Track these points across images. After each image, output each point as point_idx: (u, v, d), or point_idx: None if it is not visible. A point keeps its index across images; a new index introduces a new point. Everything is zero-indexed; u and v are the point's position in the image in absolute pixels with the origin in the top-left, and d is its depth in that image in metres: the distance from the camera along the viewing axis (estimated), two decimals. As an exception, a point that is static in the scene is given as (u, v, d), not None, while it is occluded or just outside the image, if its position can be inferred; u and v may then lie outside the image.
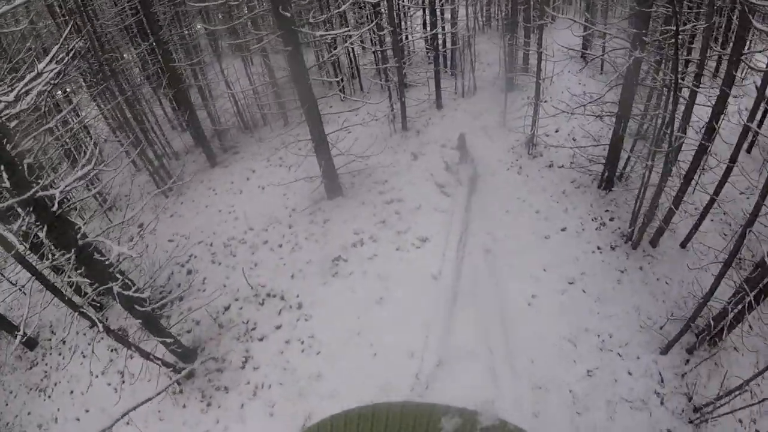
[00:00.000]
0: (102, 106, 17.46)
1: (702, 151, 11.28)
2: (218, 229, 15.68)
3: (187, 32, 17.68)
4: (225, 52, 24.92)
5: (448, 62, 20.71)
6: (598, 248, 13.23)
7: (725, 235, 14.15)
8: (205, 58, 19.97)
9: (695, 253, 13.39)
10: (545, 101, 17.78)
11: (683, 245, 13.48)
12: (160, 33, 16.07)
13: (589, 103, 13.56)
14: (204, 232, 15.78)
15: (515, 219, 13.66)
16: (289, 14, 10.51)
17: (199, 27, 22.36)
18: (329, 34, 11.87)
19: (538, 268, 12.56)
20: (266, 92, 19.54)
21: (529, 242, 13.11)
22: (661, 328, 11.50)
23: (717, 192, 12.16)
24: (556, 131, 16.57)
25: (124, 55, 19.82)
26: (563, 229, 13.56)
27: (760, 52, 11.80)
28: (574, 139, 16.53)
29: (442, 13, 18.59)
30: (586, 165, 15.01)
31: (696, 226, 13.02)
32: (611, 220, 13.95)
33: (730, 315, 9.80)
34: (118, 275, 9.06)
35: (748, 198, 13.44)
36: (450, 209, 13.63)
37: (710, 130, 10.84)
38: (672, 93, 9.53)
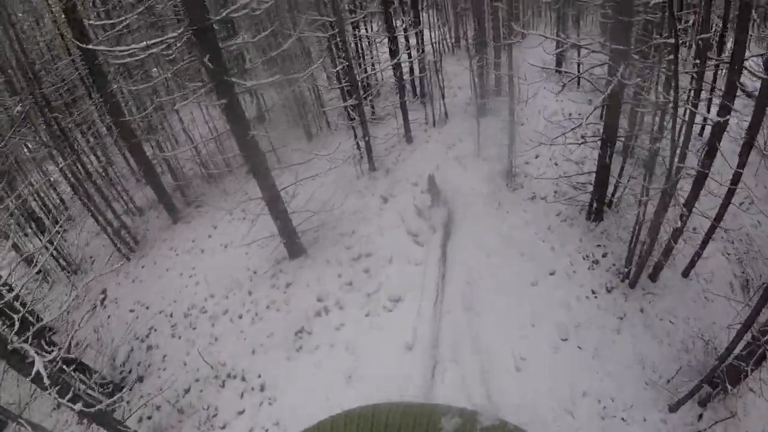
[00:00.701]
0: (59, 163, 16.39)
1: (702, 177, 10.00)
2: (179, 295, 14.58)
3: (133, 85, 16.52)
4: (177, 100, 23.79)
5: (417, 89, 19.56)
6: (593, 292, 11.98)
7: (728, 254, 13.15)
8: (161, 107, 18.73)
9: (699, 282, 12.25)
10: (522, 124, 16.65)
11: (685, 274, 12.36)
12: (108, 87, 14.96)
13: (571, 129, 12.38)
14: (165, 299, 14.71)
15: (498, 264, 12.38)
16: (214, 66, 9.30)
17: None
18: (265, 83, 10.59)
19: (526, 323, 11.26)
20: (229, 138, 18.32)
21: (514, 291, 11.83)
22: (668, 381, 10.17)
23: (719, 217, 10.93)
24: (536, 157, 15.34)
25: (72, 112, 18.67)
26: (552, 273, 12.29)
27: (761, 55, 10.46)
28: (556, 164, 15.35)
29: (407, 39, 17.49)
30: (571, 194, 13.78)
31: (698, 254, 11.81)
32: (604, 256, 12.70)
33: (748, 368, 8.53)
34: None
35: (746, 210, 12.17)
36: (424, 260, 12.36)
37: (710, 152, 9.58)
38: (671, 118, 8.24)
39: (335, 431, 9.28)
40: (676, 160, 9.01)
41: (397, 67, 15.41)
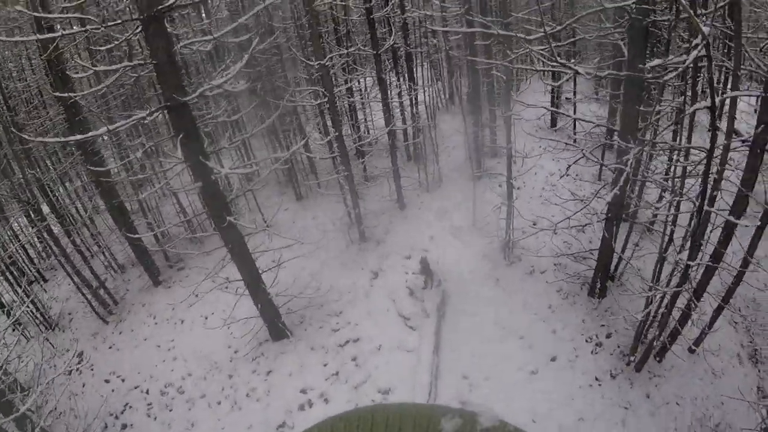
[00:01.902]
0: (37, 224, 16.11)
1: (713, 269, 9.42)
2: (156, 370, 14.01)
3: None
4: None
5: (411, 150, 19.30)
6: (596, 380, 11.30)
7: (735, 324, 12.63)
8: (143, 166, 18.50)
9: (705, 359, 11.44)
10: (518, 188, 16.22)
11: (692, 349, 11.68)
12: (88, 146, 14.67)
13: (574, 214, 11.81)
14: (141, 373, 14.12)
15: (495, 351, 11.74)
16: (190, 145, 8.98)
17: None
18: (238, 172, 10.22)
19: (526, 419, 10.52)
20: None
21: (513, 382, 11.15)
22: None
23: (727, 299, 10.36)
24: (534, 224, 14.79)
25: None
26: (553, 359, 11.66)
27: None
28: (555, 233, 14.75)
29: (400, 98, 17.28)
30: (572, 267, 13.21)
31: (705, 332, 11.23)
32: (608, 337, 12.08)
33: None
34: None
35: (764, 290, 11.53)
36: (416, 347, 11.73)
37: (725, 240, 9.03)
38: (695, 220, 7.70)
39: None
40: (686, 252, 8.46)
41: (390, 132, 15.09)
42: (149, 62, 8.49)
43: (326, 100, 13.38)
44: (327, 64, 12.66)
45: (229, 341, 13.50)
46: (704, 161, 6.93)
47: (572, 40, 14.86)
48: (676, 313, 10.51)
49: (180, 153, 8.82)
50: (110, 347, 15.29)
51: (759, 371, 11.69)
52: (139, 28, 8.25)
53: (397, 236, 15.28)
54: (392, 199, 16.56)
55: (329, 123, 15.24)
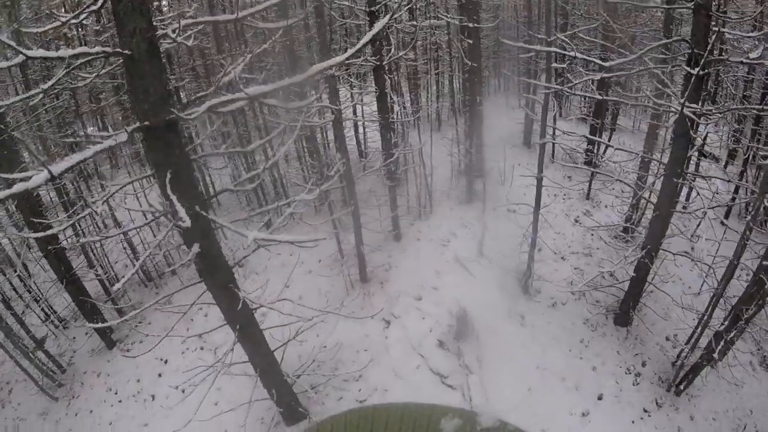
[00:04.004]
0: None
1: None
2: None
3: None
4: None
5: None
6: (645, 411, 11.43)
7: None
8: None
9: (732, 372, 11.58)
10: (513, 211, 15.83)
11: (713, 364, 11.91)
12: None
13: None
14: None
15: (542, 398, 11.24)
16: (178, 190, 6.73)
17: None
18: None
19: (592, 470, 9.94)
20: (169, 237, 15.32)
21: (570, 428, 10.65)
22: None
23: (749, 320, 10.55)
24: (539, 250, 14.37)
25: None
26: (600, 398, 11.44)
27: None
28: (562, 258, 14.54)
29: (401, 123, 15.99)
30: (591, 296, 12.98)
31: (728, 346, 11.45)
32: (644, 365, 12.14)
33: None
34: None
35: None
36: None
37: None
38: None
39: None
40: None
41: (388, 154, 13.65)
42: (116, 53, 5.47)
43: (333, 117, 11.71)
44: (336, 74, 11.02)
45: (226, 425, 11.31)
46: None
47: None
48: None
49: (161, 201, 6.54)
50: (66, 435, 12.45)
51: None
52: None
53: (401, 274, 14.11)
54: (385, 229, 15.26)
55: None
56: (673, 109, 9.54)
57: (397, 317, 12.90)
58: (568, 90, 10.98)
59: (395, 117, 13.53)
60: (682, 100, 8.33)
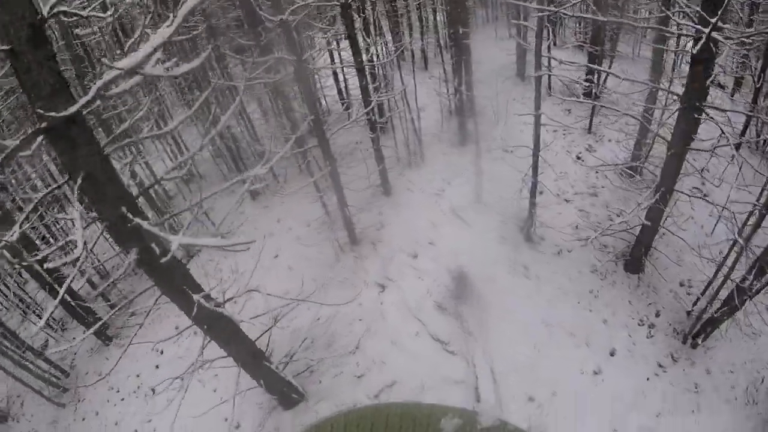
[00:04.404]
0: None
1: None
2: None
3: None
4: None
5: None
6: (660, 366, 10.83)
7: None
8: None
9: (751, 321, 11.11)
10: (510, 151, 14.58)
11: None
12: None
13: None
14: None
15: (552, 357, 10.58)
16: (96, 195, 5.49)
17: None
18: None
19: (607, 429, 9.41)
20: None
21: (581, 391, 10.13)
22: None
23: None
24: (541, 193, 13.27)
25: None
26: (612, 353, 10.88)
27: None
28: (566, 200, 13.50)
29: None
30: (600, 241, 12.06)
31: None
32: (657, 315, 11.48)
33: None
34: None
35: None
36: (465, 378, 9.89)
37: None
38: None
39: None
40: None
41: (366, 102, 12.21)
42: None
43: (292, 71, 10.18)
44: (289, 19, 9.41)
45: (225, 412, 10.52)
46: None
47: None
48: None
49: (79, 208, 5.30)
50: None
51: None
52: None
53: (394, 231, 13.07)
54: (374, 185, 14.04)
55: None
56: (685, 32, 8.12)
57: (392, 280, 11.98)
58: (564, 12, 9.44)
59: (372, 59, 11.95)
60: (714, 20, 6.87)
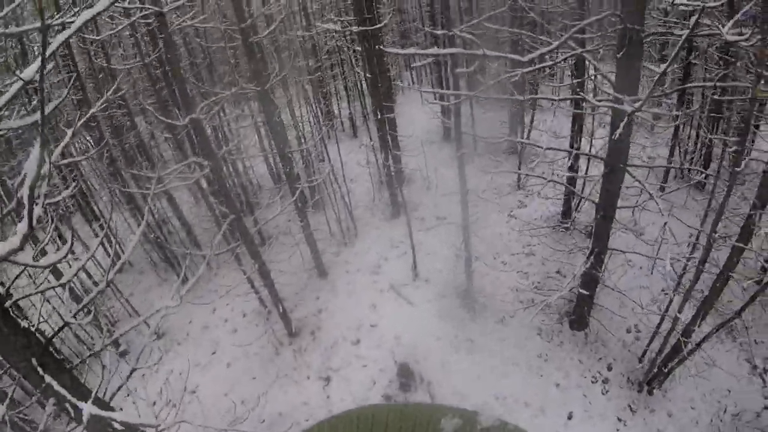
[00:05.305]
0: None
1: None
2: None
3: None
4: None
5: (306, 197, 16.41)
6: (620, 421, 10.68)
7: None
8: None
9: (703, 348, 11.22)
10: (444, 217, 14.63)
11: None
12: None
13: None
14: None
15: None
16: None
17: None
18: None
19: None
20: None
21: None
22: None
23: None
24: (495, 263, 13.27)
25: None
26: (570, 417, 10.66)
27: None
28: (503, 263, 13.54)
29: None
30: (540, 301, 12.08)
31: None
32: (609, 369, 11.41)
33: None
34: None
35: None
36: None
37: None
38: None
39: None
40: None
41: (290, 177, 11.90)
42: None
43: (208, 168, 9.77)
44: (200, 116, 9.11)
45: None
46: None
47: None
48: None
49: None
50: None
51: (740, 344, 11.63)
52: None
53: (334, 316, 12.60)
54: (307, 265, 13.59)
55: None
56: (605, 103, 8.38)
57: (336, 370, 11.34)
58: (480, 95, 9.58)
59: (300, 141, 11.80)
60: (637, 105, 6.31)
